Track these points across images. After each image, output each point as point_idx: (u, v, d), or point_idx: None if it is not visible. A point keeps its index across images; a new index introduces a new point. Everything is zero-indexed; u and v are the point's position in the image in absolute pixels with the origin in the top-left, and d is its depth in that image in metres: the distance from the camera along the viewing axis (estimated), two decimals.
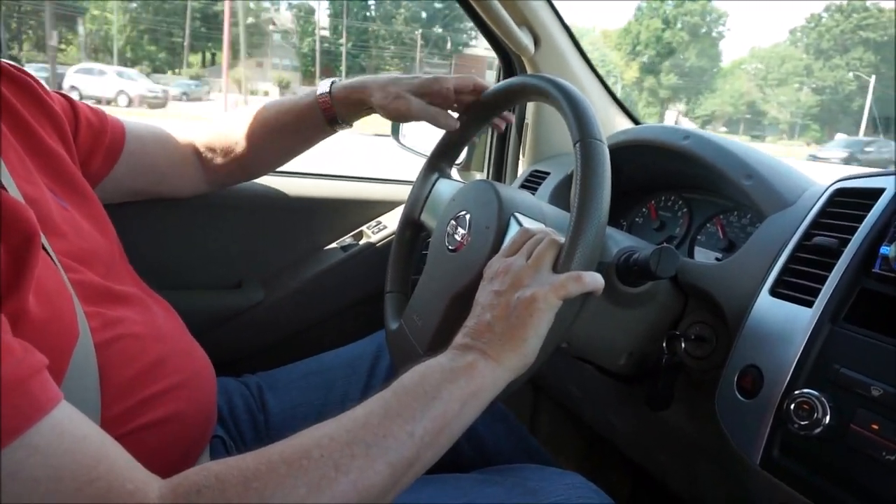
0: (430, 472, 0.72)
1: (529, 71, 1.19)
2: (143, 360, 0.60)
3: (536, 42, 1.14)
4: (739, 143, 0.86)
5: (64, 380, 0.48)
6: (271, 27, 41.42)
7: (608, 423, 0.96)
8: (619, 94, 1.25)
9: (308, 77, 39.82)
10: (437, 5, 42.30)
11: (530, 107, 1.25)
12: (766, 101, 47.47)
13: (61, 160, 0.69)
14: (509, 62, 1.23)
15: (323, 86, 0.90)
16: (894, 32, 42.33)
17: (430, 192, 0.88)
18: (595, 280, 0.58)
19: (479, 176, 1.36)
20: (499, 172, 1.33)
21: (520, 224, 0.72)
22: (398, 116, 0.87)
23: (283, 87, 36.13)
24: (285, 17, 42.96)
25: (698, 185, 0.95)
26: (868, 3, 44.48)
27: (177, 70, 36.45)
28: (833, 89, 44.66)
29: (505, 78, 1.24)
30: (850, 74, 43.35)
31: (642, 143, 0.95)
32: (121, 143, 0.83)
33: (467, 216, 0.73)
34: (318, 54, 39.56)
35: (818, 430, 0.54)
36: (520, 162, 1.29)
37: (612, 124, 1.22)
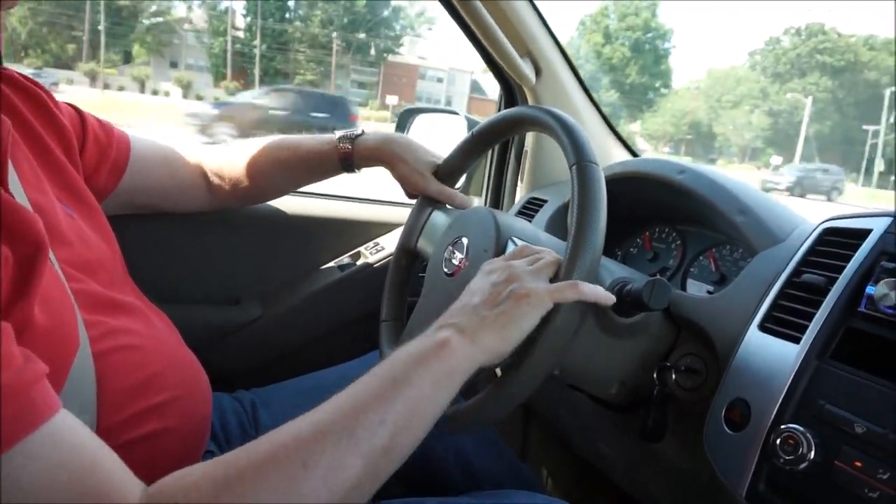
0: (418, 496, 0.73)
1: (530, 100, 1.22)
2: (141, 371, 0.60)
3: (538, 72, 1.17)
4: (734, 178, 0.88)
5: (63, 389, 0.49)
6: (186, 26, 39.55)
7: (598, 452, 0.97)
8: None
9: (220, 78, 37.92)
10: (361, 9, 40.23)
11: (530, 134, 1.27)
12: (718, 122, 46.82)
13: (68, 170, 0.70)
14: (511, 91, 1.26)
15: (344, 136, 0.94)
16: (852, 58, 42.28)
17: (426, 220, 0.90)
18: (594, 290, 0.59)
19: (476, 201, 1.38)
20: (497, 198, 1.35)
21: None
22: (414, 189, 0.92)
23: (184, 87, 34.41)
24: (201, 17, 40.90)
25: (692, 219, 0.97)
26: (826, 28, 44.47)
27: (75, 65, 34.31)
28: (789, 113, 44.48)
29: (507, 107, 1.27)
30: (789, 96, 43.03)
31: (639, 175, 0.96)
32: (126, 160, 0.84)
33: (465, 241, 0.75)
34: (229, 55, 37.92)
35: (803, 465, 0.55)
36: (517, 189, 1.31)
37: (610, 156, 1.24)
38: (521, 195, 1.29)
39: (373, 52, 42.68)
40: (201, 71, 39.76)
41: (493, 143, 0.89)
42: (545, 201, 1.13)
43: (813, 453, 0.55)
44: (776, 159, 39.03)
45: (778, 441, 0.57)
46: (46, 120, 0.71)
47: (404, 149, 0.92)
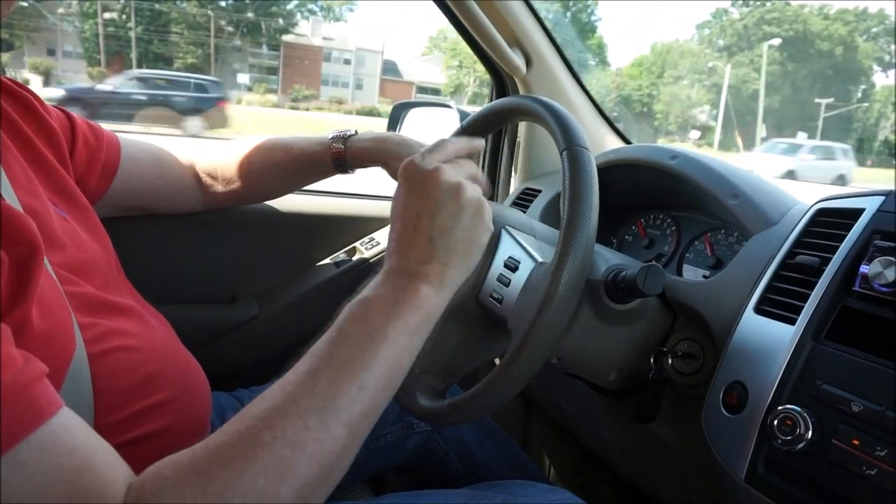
0: (420, 488, 0.73)
1: (521, 90, 1.21)
2: (138, 372, 0.60)
3: (528, 62, 1.17)
4: (726, 162, 0.88)
5: (60, 392, 0.49)
6: (61, 10, 35.87)
7: (599, 439, 0.97)
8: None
9: (93, 64, 34.17)
10: None
11: (522, 125, 1.27)
12: (658, 99, 44.06)
13: (59, 174, 0.70)
14: (502, 82, 1.25)
15: (336, 137, 0.93)
16: (801, 28, 40.02)
17: None
18: (459, 142, 0.60)
19: None
20: (491, 190, 1.35)
21: (511, 236, 0.73)
22: None
23: (43, 74, 30.50)
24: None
25: (686, 204, 0.97)
26: None
27: None
28: (736, 88, 41.62)
29: (498, 98, 1.27)
30: (711, 64, 40.32)
31: (632, 161, 0.96)
32: (116, 162, 0.84)
33: None
34: (101, 39, 34.25)
35: (801, 445, 0.55)
36: (512, 179, 1.31)
37: (603, 143, 1.24)
38: (515, 186, 1.29)
39: (264, 30, 38.92)
40: (81, 58, 36.24)
41: (483, 135, 0.88)
42: (539, 191, 1.13)
43: (810, 433, 0.55)
44: (694, 134, 37.70)
45: (775, 422, 0.57)
46: (36, 124, 0.71)
47: (399, 147, 0.91)
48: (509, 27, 1.10)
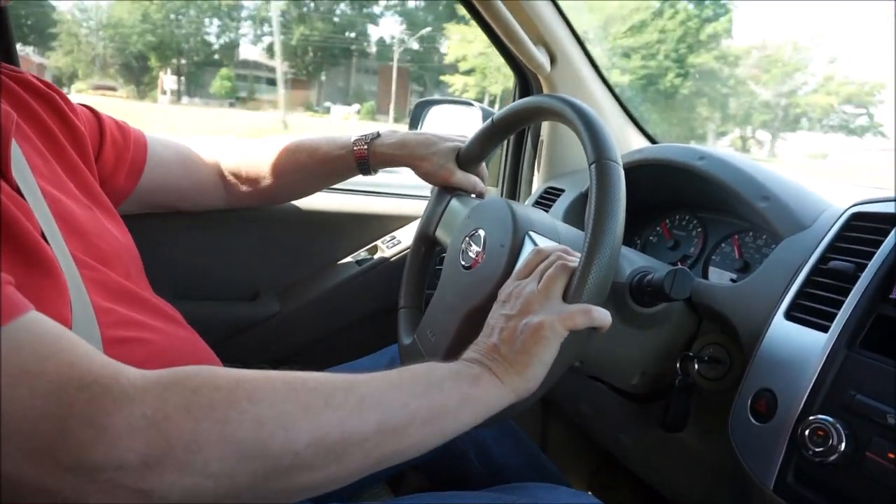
0: (438, 487, 0.72)
1: (545, 89, 1.20)
2: (153, 365, 0.60)
3: (553, 60, 1.15)
4: (756, 163, 0.86)
5: None
6: None
7: (619, 442, 0.96)
8: None
9: None
10: None
11: (546, 123, 1.25)
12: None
13: (82, 171, 0.70)
14: (525, 80, 1.24)
15: (360, 139, 0.94)
16: None
17: (445, 208, 0.89)
18: (603, 316, 0.58)
19: (493, 191, 1.36)
20: (513, 189, 1.34)
21: (534, 243, 0.72)
22: (442, 184, 0.92)
23: None
24: None
25: (713, 206, 0.95)
26: None
27: None
28: None
29: (521, 96, 1.25)
30: None
31: (658, 162, 0.95)
32: (143, 160, 0.84)
33: (482, 234, 0.74)
34: None
35: (833, 457, 0.54)
36: (534, 178, 1.30)
37: (628, 143, 1.22)
38: (537, 185, 1.27)
39: None
40: None
41: (512, 132, 0.88)
42: (562, 191, 1.12)
43: (843, 445, 0.53)
44: (170, 81, 29.55)
45: (807, 432, 0.55)
46: (62, 122, 0.71)
47: (423, 146, 0.91)
48: (534, 25, 1.09)
